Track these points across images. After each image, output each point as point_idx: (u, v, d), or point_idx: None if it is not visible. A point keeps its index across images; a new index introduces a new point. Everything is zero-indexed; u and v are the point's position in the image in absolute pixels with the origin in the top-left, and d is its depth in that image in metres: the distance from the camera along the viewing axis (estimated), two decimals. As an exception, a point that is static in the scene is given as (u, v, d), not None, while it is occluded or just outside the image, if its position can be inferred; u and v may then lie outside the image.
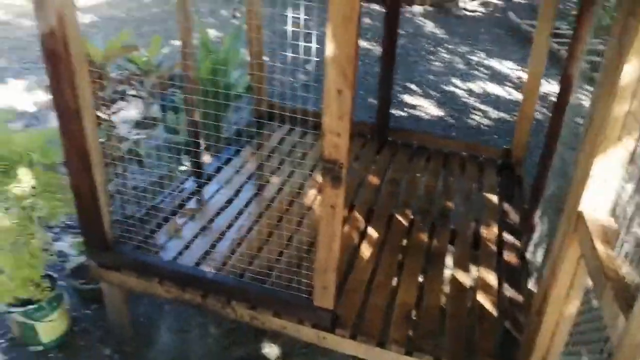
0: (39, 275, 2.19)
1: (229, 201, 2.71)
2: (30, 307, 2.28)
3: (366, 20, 7.41)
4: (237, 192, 2.79)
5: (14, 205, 2.11)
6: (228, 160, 3.07)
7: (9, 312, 2.30)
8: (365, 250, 2.48)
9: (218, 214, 2.61)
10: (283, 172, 3.00)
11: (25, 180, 2.09)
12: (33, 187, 2.10)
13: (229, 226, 2.53)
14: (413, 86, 5.58)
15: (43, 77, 1.89)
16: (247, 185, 2.87)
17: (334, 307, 1.99)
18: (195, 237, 2.44)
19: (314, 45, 1.74)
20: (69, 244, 2.91)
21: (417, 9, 8.28)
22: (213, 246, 2.37)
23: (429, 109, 5.13)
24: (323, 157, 1.67)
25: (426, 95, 5.40)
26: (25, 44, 5.66)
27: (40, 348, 2.39)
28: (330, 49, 1.51)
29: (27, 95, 4.56)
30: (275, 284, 2.10)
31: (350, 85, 1.54)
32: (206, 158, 3.15)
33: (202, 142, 2.98)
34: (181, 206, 2.63)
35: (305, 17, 1.84)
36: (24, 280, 2.16)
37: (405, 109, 5.06)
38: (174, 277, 2.22)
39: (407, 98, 5.30)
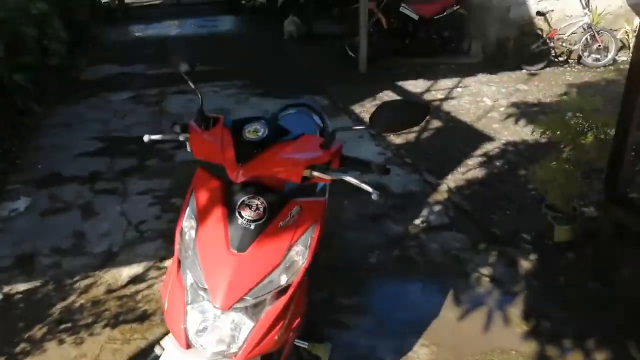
0: (574, 189, 3.66)
1: None
2: (558, 214, 3.78)
3: None
4: None
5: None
6: None
7: (547, 213, 3.86)
8: None
9: None
10: None
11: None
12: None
13: None
14: None
15: None
16: None
17: None
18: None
19: None
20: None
21: None
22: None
23: None
24: None
25: None
26: None
27: (550, 242, 3.85)
28: None
29: None
30: None
31: None
32: None
33: None
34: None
35: None
36: (567, 196, 3.68)
37: None
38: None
39: None
